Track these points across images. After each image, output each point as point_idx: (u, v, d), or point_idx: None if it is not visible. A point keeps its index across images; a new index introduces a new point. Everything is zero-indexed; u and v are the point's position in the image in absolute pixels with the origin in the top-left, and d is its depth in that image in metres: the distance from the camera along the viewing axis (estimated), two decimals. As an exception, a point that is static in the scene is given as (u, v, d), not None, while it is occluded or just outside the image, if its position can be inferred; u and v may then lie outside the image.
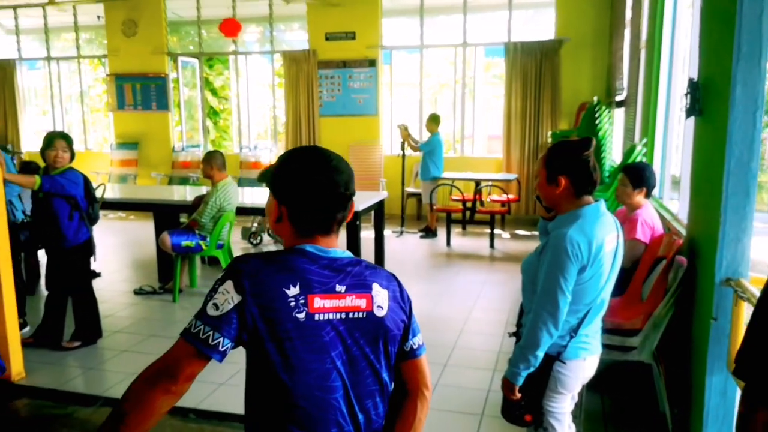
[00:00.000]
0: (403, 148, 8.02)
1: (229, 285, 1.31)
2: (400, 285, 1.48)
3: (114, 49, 10.16)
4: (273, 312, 1.29)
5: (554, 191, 2.11)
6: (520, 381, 2.08)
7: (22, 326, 4.43)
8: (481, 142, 10.64)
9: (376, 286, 1.40)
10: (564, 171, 2.08)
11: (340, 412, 1.35)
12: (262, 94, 11.41)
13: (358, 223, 5.59)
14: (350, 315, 1.36)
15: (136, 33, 9.98)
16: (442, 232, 8.01)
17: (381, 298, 1.40)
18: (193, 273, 5.99)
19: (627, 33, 6.68)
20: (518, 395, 2.11)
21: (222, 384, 3.72)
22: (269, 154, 9.94)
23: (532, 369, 2.06)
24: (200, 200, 5.73)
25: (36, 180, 4.07)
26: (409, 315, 1.48)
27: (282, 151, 9.73)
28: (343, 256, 1.41)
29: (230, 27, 8.74)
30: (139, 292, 5.75)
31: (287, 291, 1.31)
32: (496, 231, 7.80)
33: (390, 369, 1.44)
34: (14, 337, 3.86)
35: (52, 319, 4.46)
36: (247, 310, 1.29)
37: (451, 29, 9.62)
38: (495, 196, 8.42)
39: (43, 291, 5.62)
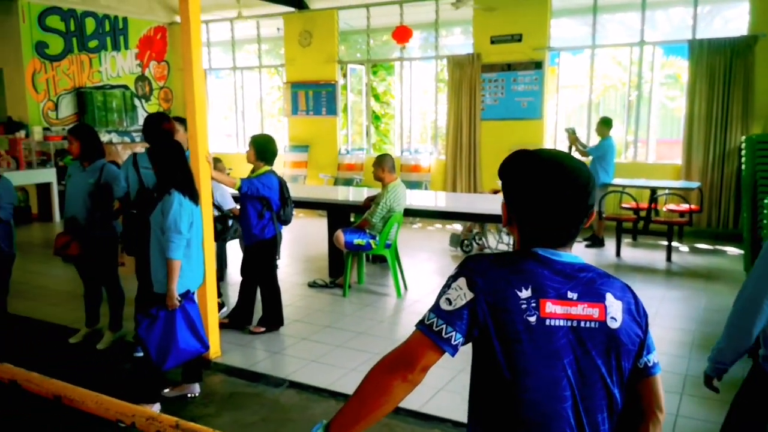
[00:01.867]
0: (569, 153, 7.70)
1: (462, 282, 1.33)
2: (635, 297, 1.40)
3: (291, 59, 10.94)
4: (504, 312, 1.29)
5: None
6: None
7: (220, 306, 4.94)
8: (652, 147, 9.92)
9: (609, 296, 1.35)
10: None
11: (568, 423, 1.31)
12: (423, 98, 11.62)
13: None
14: (582, 324, 1.32)
15: (310, 43, 10.67)
16: (609, 242, 7.58)
17: (615, 309, 1.34)
18: (362, 270, 6.25)
19: None
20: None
21: (440, 389, 3.77)
22: (429, 157, 10.09)
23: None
24: (371, 201, 5.96)
25: (237, 182, 4.49)
26: (645, 330, 1.39)
27: (441, 155, 9.90)
28: (575, 261, 1.37)
29: (402, 34, 9.06)
30: (312, 285, 6.12)
31: (519, 293, 1.30)
32: (674, 243, 7.21)
33: (622, 385, 1.36)
34: (214, 319, 4.29)
35: (244, 305, 4.89)
36: (479, 307, 1.30)
37: (626, 27, 9.09)
38: (672, 206, 7.79)
39: (231, 278, 6.20)
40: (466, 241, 7.39)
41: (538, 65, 8.98)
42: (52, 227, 9.45)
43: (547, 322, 1.30)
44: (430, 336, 1.31)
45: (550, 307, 1.30)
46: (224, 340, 4.53)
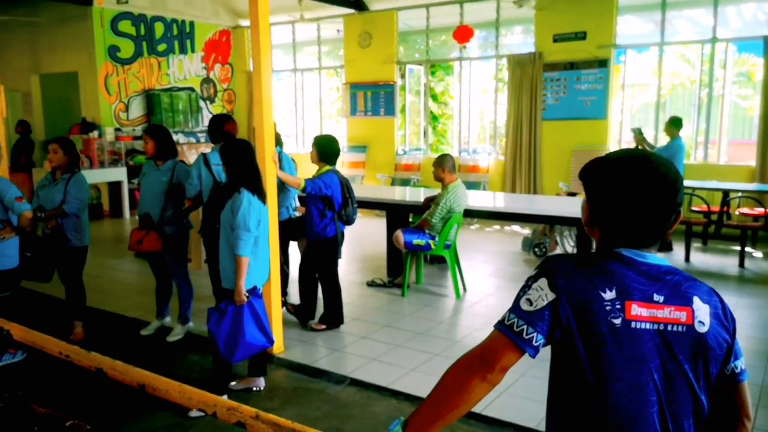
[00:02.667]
0: (636, 154, 7.46)
1: (543, 282, 1.32)
2: (722, 301, 1.36)
3: (350, 60, 11.06)
4: (588, 314, 1.27)
5: None
6: None
7: (283, 304, 5.05)
8: (724, 148, 9.50)
9: (696, 300, 1.31)
10: None
11: (654, 429, 1.28)
12: (481, 98, 11.52)
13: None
14: (669, 327, 1.28)
15: (370, 44, 10.75)
16: (677, 247, 7.31)
17: (702, 313, 1.30)
18: (420, 270, 6.25)
19: None
20: None
21: (502, 393, 3.72)
22: (488, 158, 9.99)
23: None
24: (430, 201, 5.95)
25: (301, 182, 4.58)
26: (733, 335, 1.35)
27: (500, 155, 9.78)
28: (661, 263, 1.34)
29: (463, 34, 9.03)
30: (371, 284, 6.17)
31: (603, 294, 1.28)
32: (747, 249, 6.88)
33: (709, 391, 1.33)
34: (278, 315, 4.38)
35: (306, 302, 4.98)
36: (561, 308, 1.28)
37: (695, 24, 8.74)
38: (746, 209, 7.43)
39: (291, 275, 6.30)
40: (540, 245, 7.26)
41: (602, 63, 8.75)
42: (122, 224, 9.89)
43: (633, 324, 1.27)
44: (511, 336, 1.31)
45: (636, 310, 1.28)
46: (286, 336, 4.62)
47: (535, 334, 1.29)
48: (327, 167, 4.83)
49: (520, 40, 11.11)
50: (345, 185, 4.82)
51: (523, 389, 3.72)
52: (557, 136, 9.16)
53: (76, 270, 4.66)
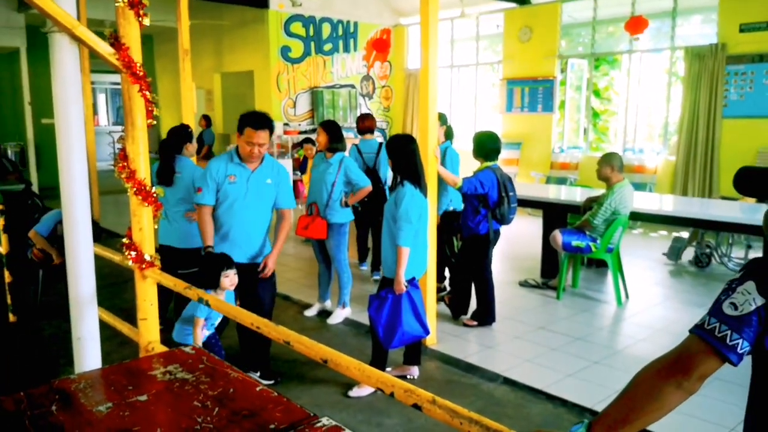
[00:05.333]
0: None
1: (750, 285, 1.22)
2: None
3: (509, 55, 10.86)
4: None
5: None
6: None
7: (440, 296, 5.16)
8: None
9: None
10: None
11: None
12: (650, 94, 10.72)
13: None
14: None
15: (530, 38, 10.48)
16: None
17: None
18: (577, 273, 5.99)
19: None
20: None
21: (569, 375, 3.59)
22: (656, 157, 9.29)
23: None
24: (592, 201, 5.68)
25: (459, 181, 4.60)
26: None
27: (671, 155, 9.03)
28: None
29: (636, 24, 8.46)
30: (524, 284, 6.03)
31: None
32: None
33: None
34: (433, 307, 4.45)
35: (459, 296, 5.01)
36: None
37: None
38: None
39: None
40: (703, 254, 6.66)
41: (800, 54, 7.74)
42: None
43: None
44: (712, 342, 1.22)
45: None
46: (439, 329, 4.68)
47: (740, 340, 1.20)
48: (486, 164, 4.80)
49: (698, 31, 10.16)
50: (502, 183, 4.74)
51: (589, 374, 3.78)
52: (740, 136, 8.26)
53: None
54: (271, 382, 3.79)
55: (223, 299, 3.22)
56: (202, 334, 3.36)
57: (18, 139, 12.41)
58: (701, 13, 9.74)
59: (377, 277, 6.56)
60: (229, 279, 3.40)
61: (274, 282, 3.80)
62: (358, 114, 12.39)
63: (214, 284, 3.36)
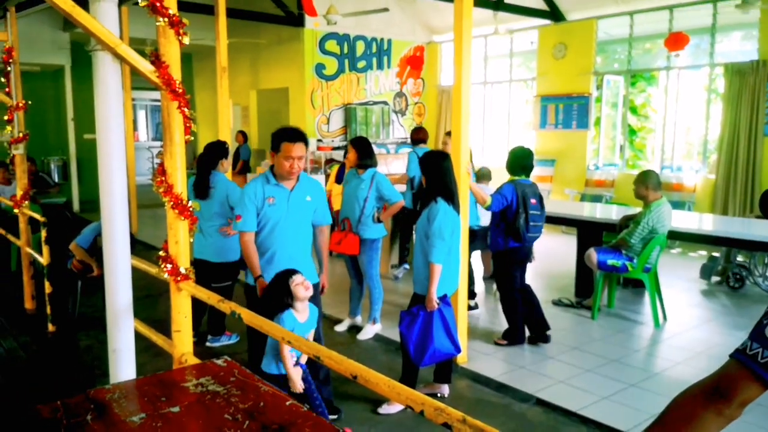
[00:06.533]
0: None
1: None
2: None
3: (543, 72, 10.80)
4: None
5: None
6: None
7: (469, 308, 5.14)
8: None
9: None
10: None
11: None
12: (688, 111, 10.51)
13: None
14: None
15: (565, 55, 10.40)
16: None
17: None
18: (613, 293, 5.86)
19: None
20: None
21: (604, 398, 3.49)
22: (695, 175, 9.08)
23: None
24: (628, 220, 5.58)
25: (488, 199, 4.57)
26: None
27: (710, 173, 8.81)
28: None
29: (676, 41, 8.35)
30: (557, 303, 5.93)
31: None
32: None
33: None
34: (464, 324, 4.40)
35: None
36: None
37: None
38: None
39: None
40: (735, 274, 6.47)
41: None
42: (318, 227, 10.68)
43: None
44: (754, 368, 1.17)
45: None
46: (470, 347, 4.63)
47: None
48: (512, 178, 4.80)
49: (738, 47, 9.95)
50: (521, 198, 4.64)
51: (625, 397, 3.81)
52: (783, 154, 8.04)
53: None
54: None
55: (307, 316, 3.14)
56: (289, 355, 3.03)
57: (61, 153, 12.85)
58: (741, 30, 9.54)
59: (397, 273, 6.93)
60: (303, 284, 3.09)
61: (320, 300, 3.76)
62: (391, 131, 12.59)
63: (288, 299, 3.07)
